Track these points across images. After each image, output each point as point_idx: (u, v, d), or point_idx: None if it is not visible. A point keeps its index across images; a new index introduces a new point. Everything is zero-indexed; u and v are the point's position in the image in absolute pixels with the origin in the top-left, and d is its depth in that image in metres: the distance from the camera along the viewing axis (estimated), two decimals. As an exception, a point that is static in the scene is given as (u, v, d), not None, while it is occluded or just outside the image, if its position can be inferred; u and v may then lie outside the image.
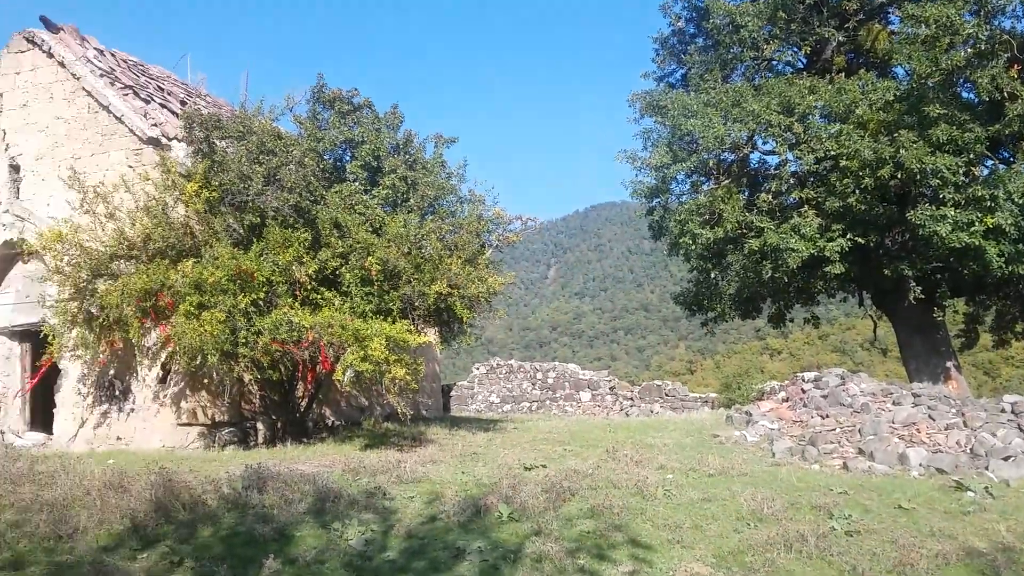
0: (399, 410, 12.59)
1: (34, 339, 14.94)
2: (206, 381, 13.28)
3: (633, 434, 14.58)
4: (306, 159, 13.85)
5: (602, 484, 9.83)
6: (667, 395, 23.57)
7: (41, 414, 15.49)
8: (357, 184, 15.00)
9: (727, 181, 20.08)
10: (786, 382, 17.43)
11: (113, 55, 16.50)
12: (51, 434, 14.54)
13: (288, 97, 15.68)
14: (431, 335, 16.33)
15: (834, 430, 13.20)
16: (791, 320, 25.02)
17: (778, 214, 19.24)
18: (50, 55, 14.92)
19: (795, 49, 22.24)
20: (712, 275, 21.91)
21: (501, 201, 17.30)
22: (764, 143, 20.38)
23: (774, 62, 22.22)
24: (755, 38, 20.80)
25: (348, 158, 15.78)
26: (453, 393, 24.81)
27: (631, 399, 23.89)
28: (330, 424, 16.04)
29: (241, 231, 13.14)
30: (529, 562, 7.37)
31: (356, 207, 14.10)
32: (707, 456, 11.54)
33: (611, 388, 24.38)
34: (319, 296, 12.86)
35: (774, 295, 22.11)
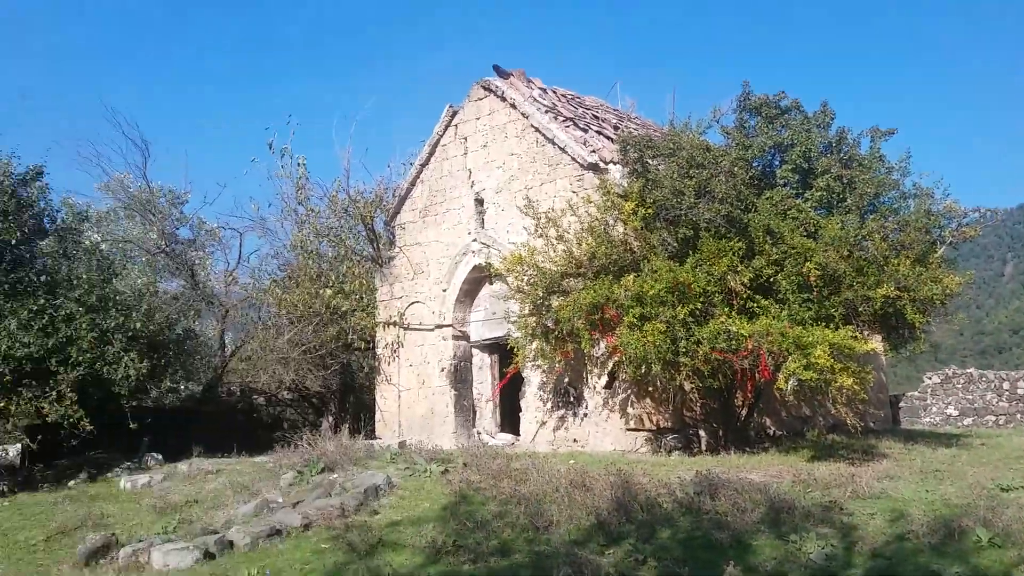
0: (847, 421, 12.03)
1: (501, 351, 17.00)
2: (650, 389, 13.91)
3: None
4: (735, 168, 13.91)
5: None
6: None
7: (508, 417, 17.50)
8: (788, 188, 14.63)
9: None
10: None
11: (553, 92, 18.23)
12: (518, 435, 16.36)
13: (715, 109, 15.94)
14: (876, 342, 15.28)
15: None
16: None
17: None
18: (503, 99, 16.93)
19: None
20: None
21: (952, 192, 15.52)
22: None
23: None
24: None
25: (777, 163, 15.47)
26: (902, 404, 22.76)
27: None
28: (771, 434, 15.79)
29: (675, 244, 13.59)
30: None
31: (788, 212, 13.77)
32: None
33: (1102, 400, 20.37)
34: (755, 304, 12.77)
35: None
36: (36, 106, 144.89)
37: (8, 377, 14.20)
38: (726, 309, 12.64)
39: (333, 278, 20.86)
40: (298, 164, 22.42)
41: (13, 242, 15.31)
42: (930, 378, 22.92)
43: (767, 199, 13.97)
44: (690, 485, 9.86)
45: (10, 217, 15.20)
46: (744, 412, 14.57)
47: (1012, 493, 9.54)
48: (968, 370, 23.02)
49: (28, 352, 13.99)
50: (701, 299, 12.49)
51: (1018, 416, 21.14)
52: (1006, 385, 21.68)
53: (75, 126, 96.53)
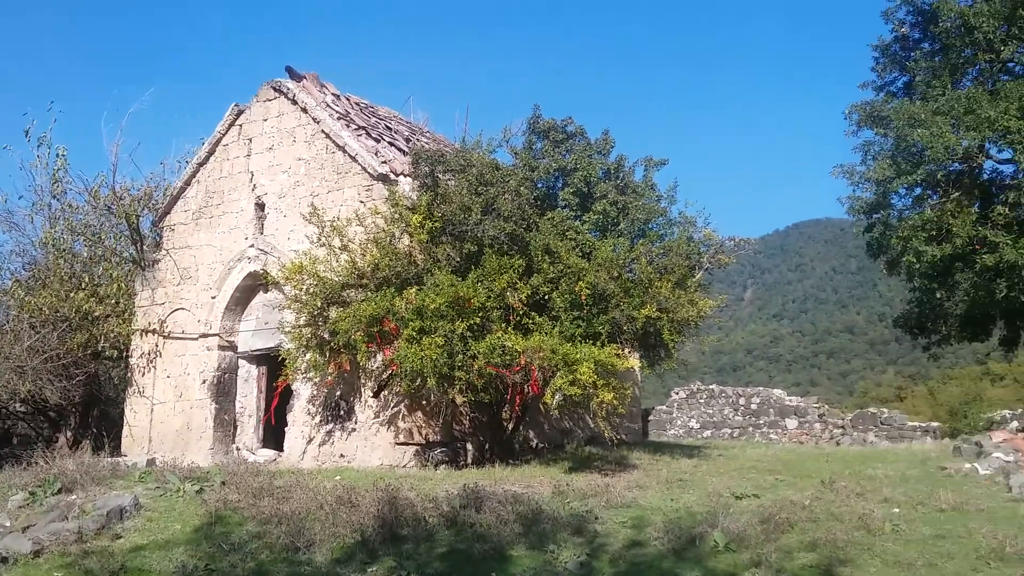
0: (606, 434, 12.61)
1: (271, 363, 16.31)
2: (423, 403, 14.00)
3: (850, 464, 13.89)
4: (522, 188, 14.40)
5: (822, 516, 9.47)
6: (882, 423, 22.17)
7: (274, 432, 16.76)
8: (568, 210, 15.39)
9: (957, 194, 18.87)
10: (1020, 411, 16.01)
11: (347, 99, 17.96)
12: (281, 451, 15.79)
13: (505, 129, 16.50)
14: (635, 359, 16.37)
15: (1086, 467, 11.95)
16: (1024, 344, 22.86)
17: (1015, 228, 17.80)
18: (294, 102, 16.42)
19: (1037, 48, 20.58)
20: (937, 295, 20.61)
21: (712, 223, 17.17)
22: (1000, 151, 18.97)
23: (1011, 64, 20.69)
24: (990, 39, 19.50)
25: (560, 185, 16.26)
26: (651, 418, 24.63)
27: (842, 427, 22.71)
28: (534, 446, 16.41)
29: (459, 259, 13.83)
30: (751, 594, 7.26)
31: (567, 233, 14.44)
32: (936, 490, 10.79)
33: (820, 415, 23.29)
34: (530, 321, 13.23)
35: (1008, 316, 20.42)
36: None
37: None
38: (503, 325, 13.02)
39: (87, 280, 19.10)
40: (58, 155, 20.56)
41: None
42: (677, 393, 25.03)
43: (548, 219, 14.59)
44: (456, 499, 10.02)
45: None
46: (511, 425, 15.02)
47: (745, 500, 10.51)
48: (711, 386, 25.40)
49: None
50: (480, 314, 12.75)
51: (750, 429, 23.60)
52: (741, 400, 24.17)
53: None
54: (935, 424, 22.96)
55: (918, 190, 20.40)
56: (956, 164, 18.98)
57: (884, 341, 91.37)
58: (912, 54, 22.70)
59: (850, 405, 40.72)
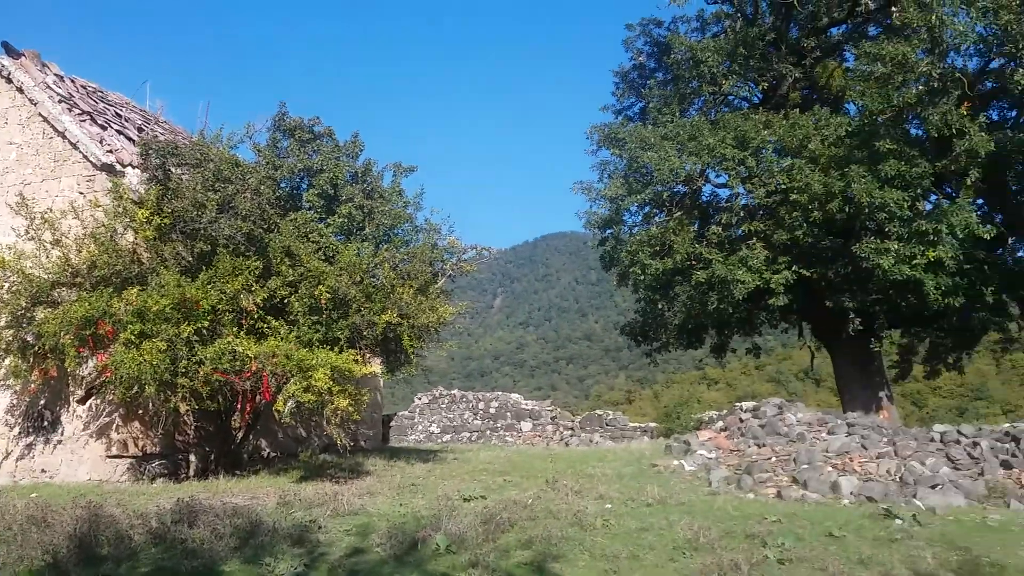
0: (339, 442, 12.44)
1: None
2: (140, 412, 13.02)
3: (574, 464, 14.71)
4: (262, 187, 13.84)
5: (541, 514, 9.90)
6: (607, 425, 23.80)
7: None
8: (313, 212, 15.00)
9: (679, 213, 20.59)
10: (725, 412, 17.80)
11: (73, 81, 16.32)
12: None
13: (248, 125, 15.74)
14: (376, 365, 16.30)
15: (770, 459, 13.53)
16: (733, 350, 25.55)
17: (727, 246, 19.74)
18: (8, 80, 14.72)
19: (752, 85, 23.11)
20: (659, 306, 22.34)
21: (456, 230, 17.54)
22: (717, 176, 21.01)
23: (731, 97, 23.08)
24: (714, 73, 21.57)
25: (305, 186, 15.82)
26: (393, 423, 24.67)
27: (571, 429, 24.07)
28: (266, 455, 15.80)
29: (190, 259, 13.00)
30: (465, 593, 7.42)
31: (310, 235, 14.08)
32: (646, 486, 11.71)
33: (552, 418, 24.53)
34: (265, 325, 12.77)
35: (718, 326, 22.59)
36: None
37: None
38: (235, 329, 12.44)
39: None
40: None
41: None
42: (420, 398, 25.28)
43: (291, 221, 14.15)
44: (168, 514, 9.38)
45: None
46: (240, 435, 14.37)
47: (472, 503, 10.76)
48: (452, 391, 25.91)
49: None
50: (210, 317, 12.11)
51: (488, 432, 24.35)
52: (481, 404, 24.87)
53: None
54: (653, 424, 25.01)
55: (647, 208, 22.06)
56: (680, 186, 20.74)
57: (618, 348, 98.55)
58: (648, 82, 24.64)
59: (586, 408, 43.35)
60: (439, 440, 24.16)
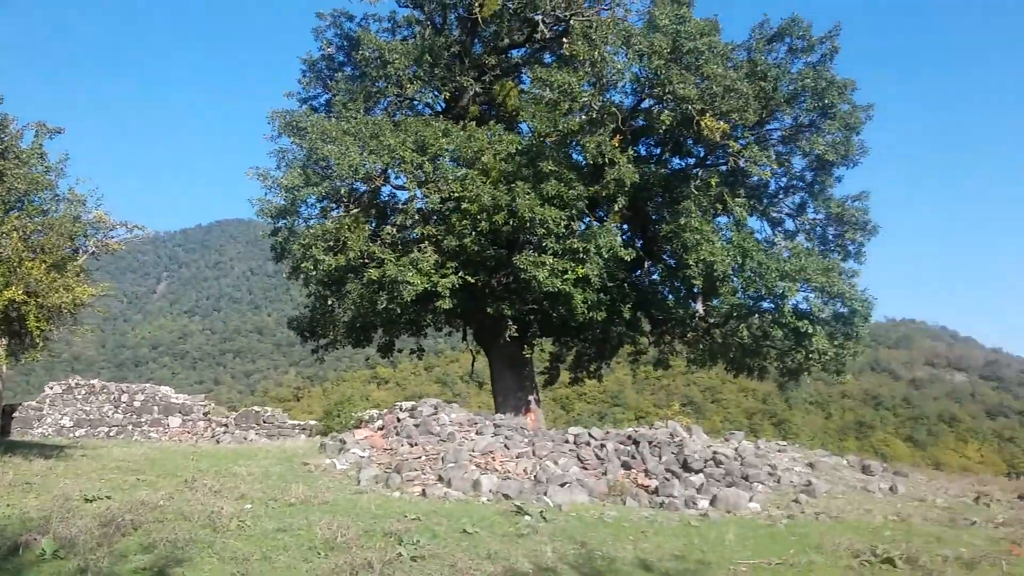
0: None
1: None
2: None
3: (220, 462, 13.97)
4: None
5: (171, 516, 9.23)
6: (265, 422, 22.93)
7: None
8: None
9: (356, 210, 20.42)
10: (385, 411, 17.93)
11: None
12: None
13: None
14: (-7, 347, 14.21)
15: (420, 458, 13.84)
16: (400, 351, 25.95)
17: (400, 247, 19.97)
18: None
19: (436, 92, 23.60)
20: (329, 302, 22.12)
21: (108, 205, 15.72)
22: (396, 178, 21.13)
23: (415, 102, 23.38)
24: (400, 76, 21.74)
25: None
26: (17, 414, 21.61)
27: (225, 425, 22.85)
28: None
29: None
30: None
31: None
32: (292, 485, 11.42)
33: (205, 413, 23.09)
34: None
35: (386, 325, 22.81)
36: None
37: None
38: None
39: None
40: None
41: None
42: (51, 388, 22.42)
43: None
44: None
45: None
46: None
47: (95, 503, 9.76)
48: (92, 381, 23.30)
49: None
50: None
51: (130, 427, 22.23)
52: (124, 397, 22.63)
53: None
54: (312, 422, 24.53)
55: (324, 202, 21.62)
56: (360, 183, 20.59)
57: (290, 344, 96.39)
58: (336, 75, 24.26)
59: (250, 403, 41.70)
60: (71, 434, 21.58)
